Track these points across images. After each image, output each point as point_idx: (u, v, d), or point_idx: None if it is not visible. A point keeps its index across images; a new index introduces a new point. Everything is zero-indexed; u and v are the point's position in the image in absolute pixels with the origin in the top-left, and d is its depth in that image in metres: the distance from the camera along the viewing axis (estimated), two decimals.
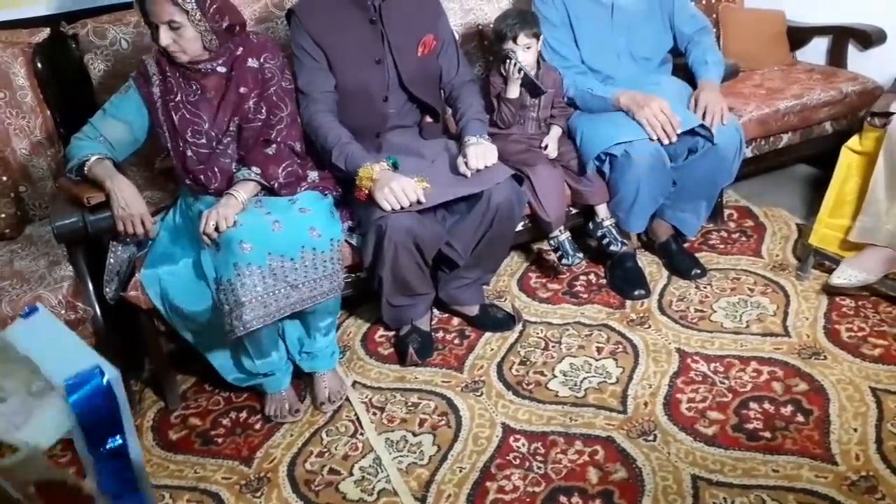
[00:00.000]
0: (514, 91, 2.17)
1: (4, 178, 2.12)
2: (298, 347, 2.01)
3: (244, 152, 1.94)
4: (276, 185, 1.90)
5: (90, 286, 1.89)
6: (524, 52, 2.16)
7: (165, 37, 1.80)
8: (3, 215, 2.11)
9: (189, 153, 1.92)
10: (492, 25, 2.29)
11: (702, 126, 2.16)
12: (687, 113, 2.18)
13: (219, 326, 1.77)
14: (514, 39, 2.15)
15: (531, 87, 2.15)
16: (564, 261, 2.22)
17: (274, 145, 1.93)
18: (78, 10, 2.42)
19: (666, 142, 2.14)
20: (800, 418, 1.78)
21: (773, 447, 1.71)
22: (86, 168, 1.83)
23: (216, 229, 1.76)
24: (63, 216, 1.83)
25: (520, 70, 2.12)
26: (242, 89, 1.92)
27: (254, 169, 1.89)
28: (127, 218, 1.81)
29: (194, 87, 1.91)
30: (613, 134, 2.15)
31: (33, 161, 2.22)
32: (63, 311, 1.84)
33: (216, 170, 1.93)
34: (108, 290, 1.89)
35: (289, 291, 1.78)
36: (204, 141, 1.92)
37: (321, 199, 1.97)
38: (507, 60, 2.13)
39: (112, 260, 1.91)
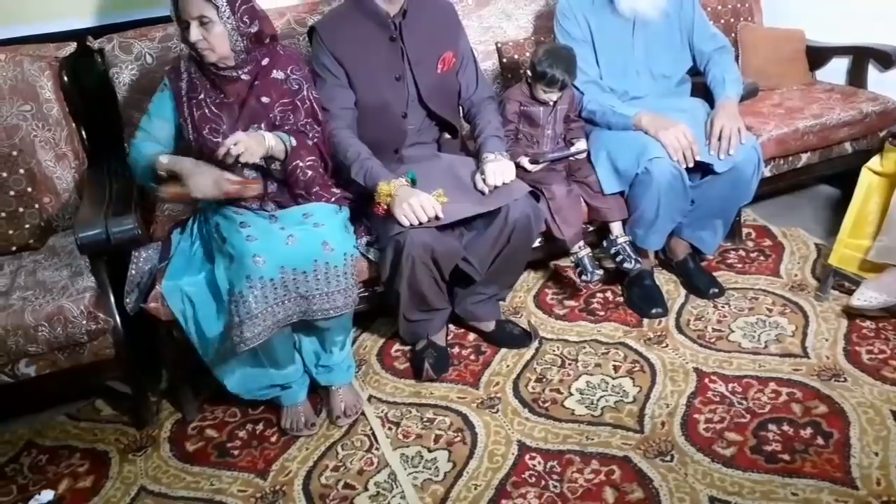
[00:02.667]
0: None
1: (30, 189, 2.15)
2: (315, 361, 2.02)
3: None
4: (297, 167, 1.91)
5: (111, 297, 1.91)
6: (549, 95, 2.21)
7: (195, 33, 1.83)
8: (27, 226, 2.14)
9: (206, 150, 1.93)
10: (535, 53, 2.20)
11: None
12: (704, 146, 2.20)
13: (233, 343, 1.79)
14: (546, 90, 2.19)
15: (563, 156, 2.25)
16: (584, 277, 2.22)
17: (311, 141, 1.96)
18: (104, 24, 2.46)
19: (683, 166, 2.15)
20: (819, 441, 1.76)
21: (792, 470, 1.69)
22: (158, 169, 1.86)
23: (237, 156, 1.79)
24: (86, 227, 1.86)
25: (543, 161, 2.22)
26: (265, 99, 1.95)
27: (291, 139, 1.92)
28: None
29: (217, 92, 1.95)
30: (641, 151, 2.15)
31: (58, 173, 2.25)
32: (84, 322, 1.86)
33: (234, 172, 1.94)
34: (128, 301, 1.91)
35: (299, 301, 1.79)
36: (220, 140, 1.93)
37: (336, 214, 1.98)
38: (535, 164, 2.20)
39: (133, 271, 1.93)
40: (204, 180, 1.81)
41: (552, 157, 2.22)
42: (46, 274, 1.99)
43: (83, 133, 2.31)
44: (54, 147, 2.24)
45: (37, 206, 2.17)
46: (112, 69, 2.28)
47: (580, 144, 2.27)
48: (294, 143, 1.92)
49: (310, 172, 1.94)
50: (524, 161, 2.19)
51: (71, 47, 2.30)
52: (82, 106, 2.32)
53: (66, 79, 2.27)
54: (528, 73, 2.21)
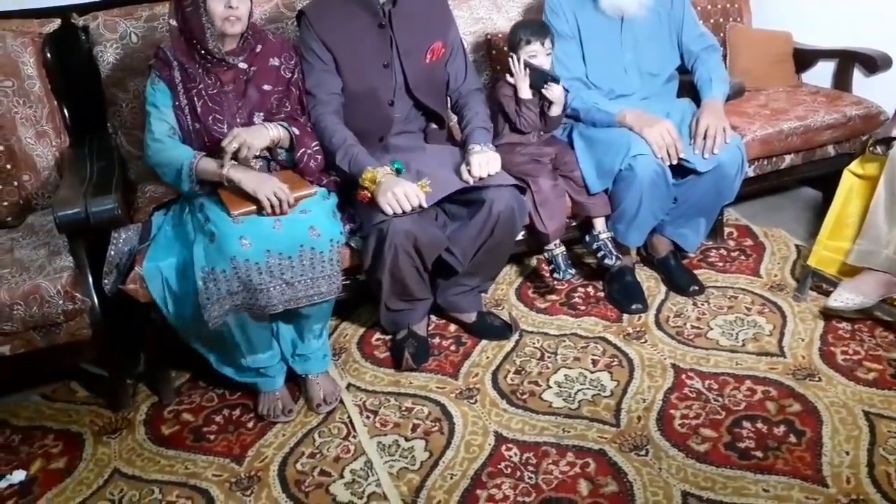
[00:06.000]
0: (525, 91, 2.21)
1: (9, 167, 2.13)
2: (291, 350, 2.01)
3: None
4: (305, 154, 1.95)
5: (90, 278, 1.89)
6: (531, 58, 2.19)
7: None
8: (5, 203, 2.11)
9: (211, 141, 1.93)
10: (507, 40, 2.28)
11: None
12: (689, 144, 2.21)
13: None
14: (522, 46, 2.19)
15: (541, 76, 2.19)
16: (556, 275, 2.23)
17: (308, 127, 2.02)
18: (89, 2, 2.42)
19: (667, 163, 2.16)
20: (792, 439, 1.78)
21: (764, 467, 1.71)
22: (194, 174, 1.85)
23: (235, 155, 1.82)
24: (65, 206, 1.83)
25: (525, 66, 2.18)
26: (266, 87, 1.97)
27: (293, 128, 1.95)
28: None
29: (213, 80, 1.94)
30: (625, 148, 2.15)
31: (38, 150, 2.22)
32: (61, 302, 1.84)
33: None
34: (106, 282, 1.89)
35: (283, 288, 1.78)
36: (225, 129, 1.93)
37: (324, 200, 1.98)
38: (510, 59, 2.19)
39: (112, 252, 1.91)
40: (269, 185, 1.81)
41: (532, 64, 2.19)
42: (24, 252, 1.96)
43: (65, 111, 2.28)
44: (35, 124, 2.21)
45: (16, 183, 2.15)
46: (96, 47, 2.25)
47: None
48: (297, 131, 1.95)
49: (319, 157, 1.99)
50: (509, 77, 2.23)
51: (55, 24, 2.27)
52: (65, 83, 2.29)
53: (48, 55, 2.24)
54: (511, 55, 2.22)
